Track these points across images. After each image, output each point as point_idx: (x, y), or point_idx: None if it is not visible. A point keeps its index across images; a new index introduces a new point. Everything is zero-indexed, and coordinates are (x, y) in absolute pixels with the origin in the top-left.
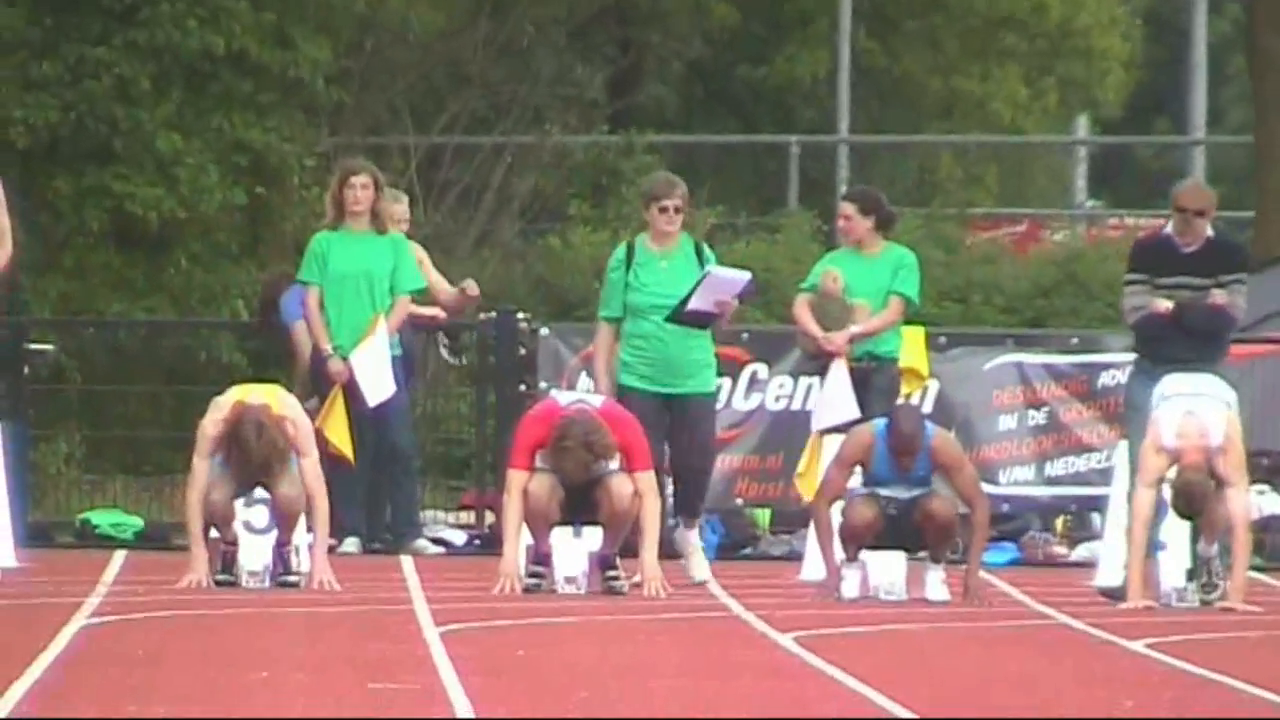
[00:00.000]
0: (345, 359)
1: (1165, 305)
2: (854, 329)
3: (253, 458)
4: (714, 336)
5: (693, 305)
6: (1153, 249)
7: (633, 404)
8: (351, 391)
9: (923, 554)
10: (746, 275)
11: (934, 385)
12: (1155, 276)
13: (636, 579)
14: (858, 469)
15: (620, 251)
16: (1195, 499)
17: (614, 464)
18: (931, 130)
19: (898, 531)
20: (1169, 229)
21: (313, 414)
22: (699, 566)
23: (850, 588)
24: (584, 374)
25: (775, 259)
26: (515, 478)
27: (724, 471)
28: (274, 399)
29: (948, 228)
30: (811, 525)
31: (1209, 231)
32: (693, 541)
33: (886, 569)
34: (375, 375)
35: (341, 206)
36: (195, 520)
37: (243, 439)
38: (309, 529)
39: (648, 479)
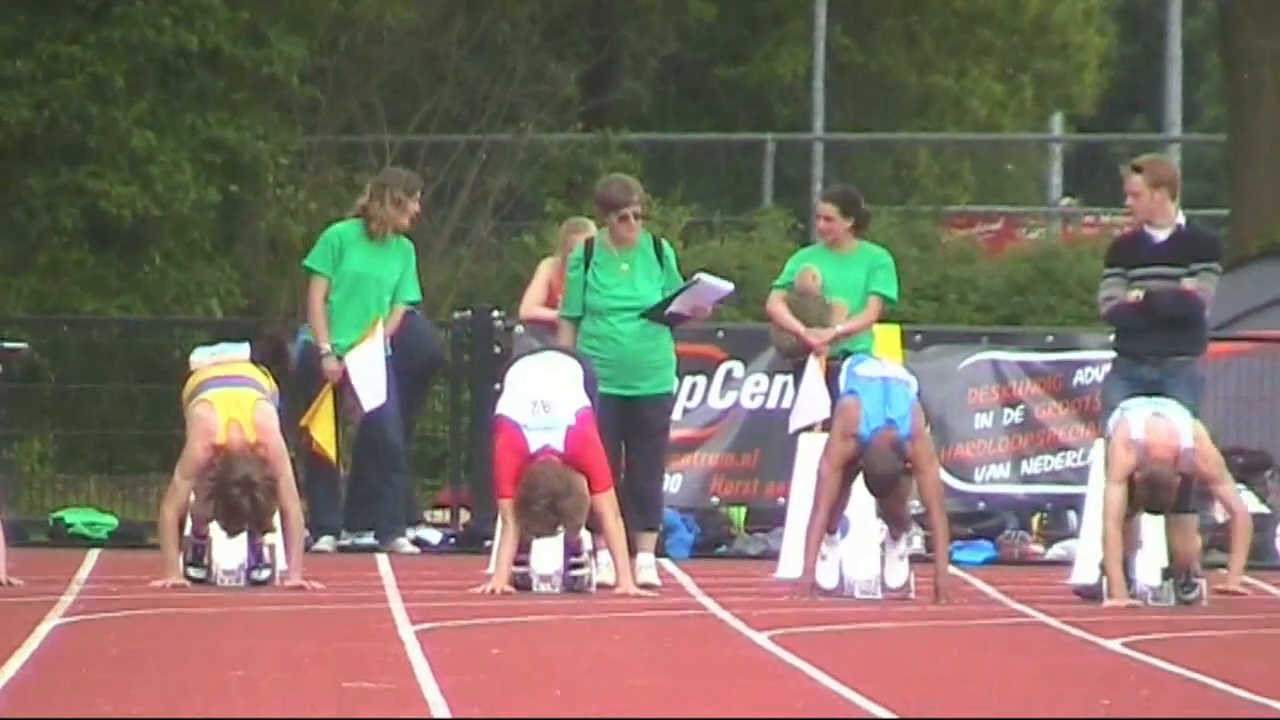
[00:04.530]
0: (340, 359)
1: (1135, 295)
2: (838, 328)
3: (244, 519)
4: (674, 335)
5: (674, 308)
6: (1127, 242)
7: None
8: (340, 391)
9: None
10: (730, 286)
11: None
12: (1128, 269)
13: (602, 578)
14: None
15: (579, 251)
16: (1161, 489)
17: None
18: (908, 127)
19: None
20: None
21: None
22: (648, 574)
23: (827, 577)
24: None
25: (750, 257)
26: (507, 507)
27: (699, 470)
28: (250, 423)
29: (923, 226)
30: (788, 523)
31: (1179, 219)
32: (648, 564)
33: (862, 567)
34: (371, 379)
35: (383, 217)
36: (171, 541)
37: (236, 507)
38: (284, 544)
39: (608, 499)
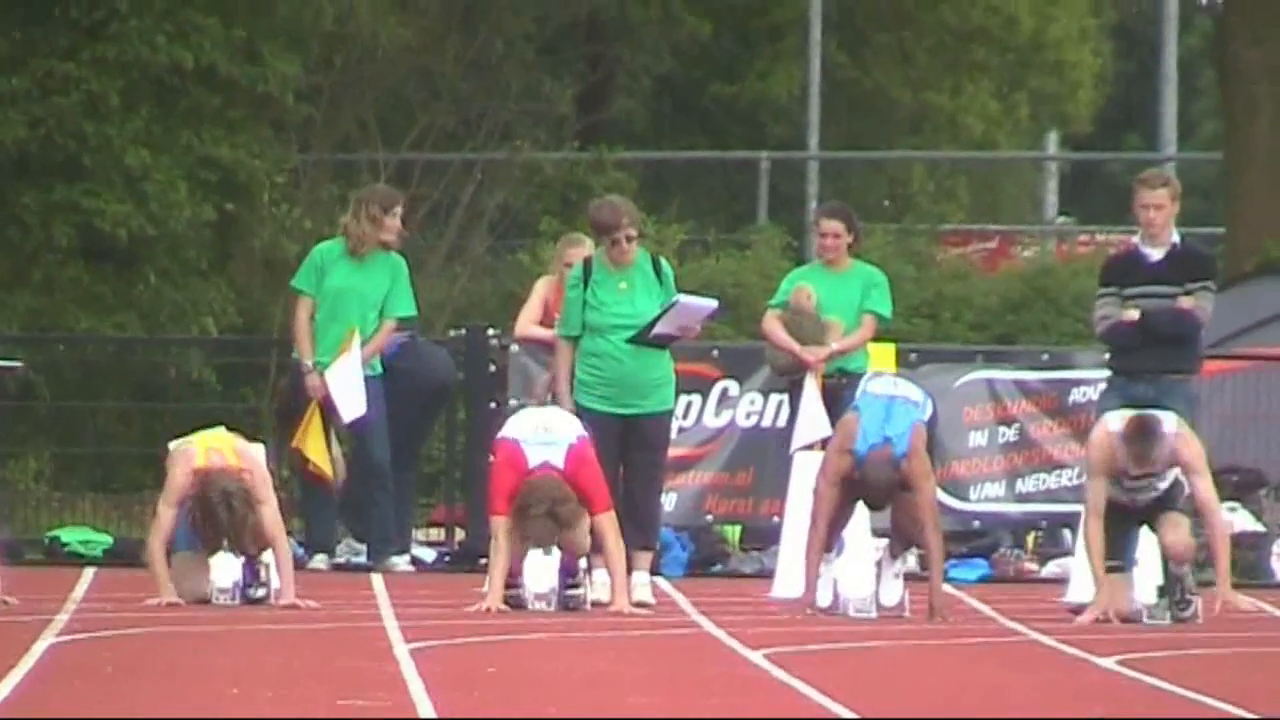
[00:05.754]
0: (323, 375)
1: (1132, 314)
2: (833, 346)
3: (222, 531)
4: (673, 354)
5: (658, 330)
6: (1121, 261)
7: (588, 426)
8: (329, 408)
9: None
10: (713, 304)
11: None
12: (1123, 288)
13: (597, 596)
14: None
15: (577, 269)
16: (1148, 434)
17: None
18: (903, 145)
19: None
20: (1137, 240)
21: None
22: (643, 592)
23: (822, 595)
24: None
25: (745, 274)
26: (500, 524)
27: (694, 488)
28: (231, 450)
29: (918, 243)
30: (783, 542)
31: (1174, 238)
32: (643, 582)
33: (858, 585)
34: (349, 392)
35: (360, 234)
36: (160, 565)
37: (213, 515)
38: (276, 568)
39: (609, 520)
